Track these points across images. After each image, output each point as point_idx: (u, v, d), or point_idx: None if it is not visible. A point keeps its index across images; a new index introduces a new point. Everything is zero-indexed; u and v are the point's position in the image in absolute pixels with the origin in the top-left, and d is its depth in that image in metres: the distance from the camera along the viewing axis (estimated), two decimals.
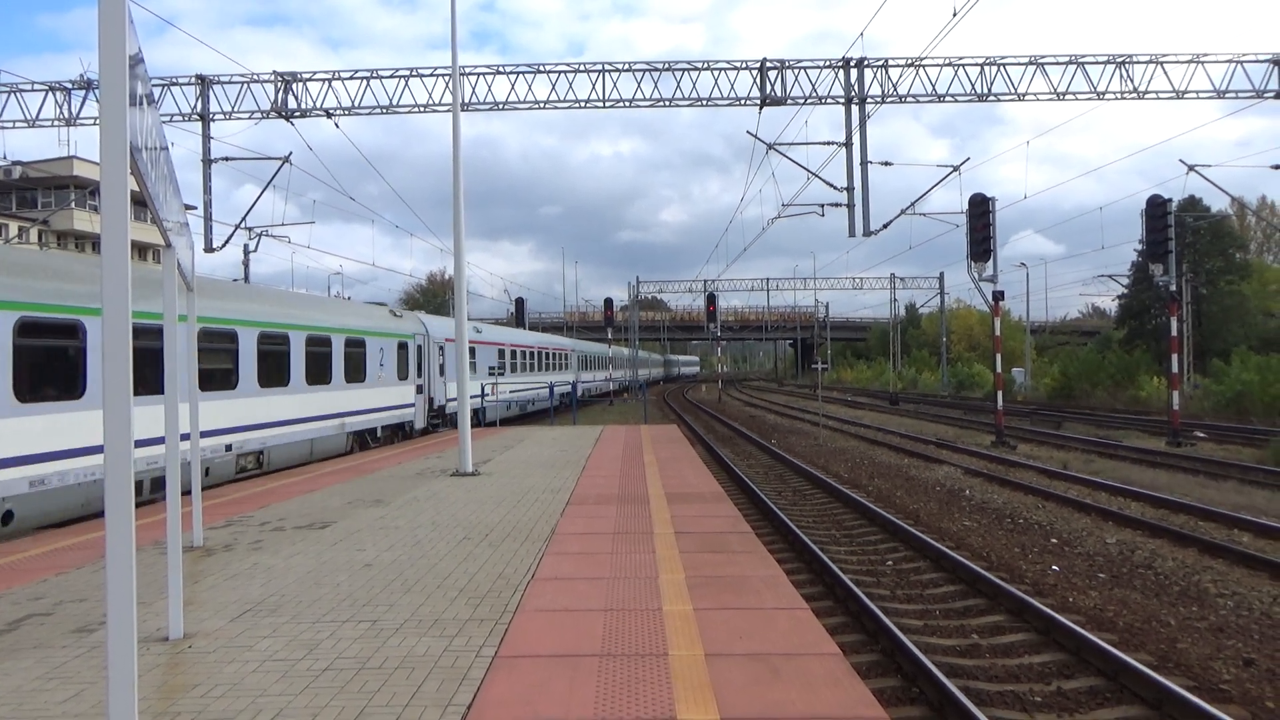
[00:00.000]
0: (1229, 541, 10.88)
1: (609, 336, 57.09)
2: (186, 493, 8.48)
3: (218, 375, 13.57)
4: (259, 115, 26.44)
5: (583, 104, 26.68)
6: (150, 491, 11.56)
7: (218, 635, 5.48)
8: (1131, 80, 25.97)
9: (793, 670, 4.70)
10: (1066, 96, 26.11)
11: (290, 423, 15.80)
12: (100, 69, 3.11)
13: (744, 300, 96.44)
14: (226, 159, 26.75)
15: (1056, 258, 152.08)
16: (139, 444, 10.68)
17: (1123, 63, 25.95)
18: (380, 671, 4.78)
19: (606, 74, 26.62)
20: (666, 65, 26.76)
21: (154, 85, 10.79)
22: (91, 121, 26.04)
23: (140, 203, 4.37)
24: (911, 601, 8.78)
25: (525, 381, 34.36)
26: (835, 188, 25.68)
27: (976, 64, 26.05)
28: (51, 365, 10.56)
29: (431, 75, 26.55)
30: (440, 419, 24.46)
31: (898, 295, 70.61)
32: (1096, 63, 26.01)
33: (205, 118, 26.35)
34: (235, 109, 26.44)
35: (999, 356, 25.84)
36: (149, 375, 9.93)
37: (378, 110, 26.70)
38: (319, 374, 16.80)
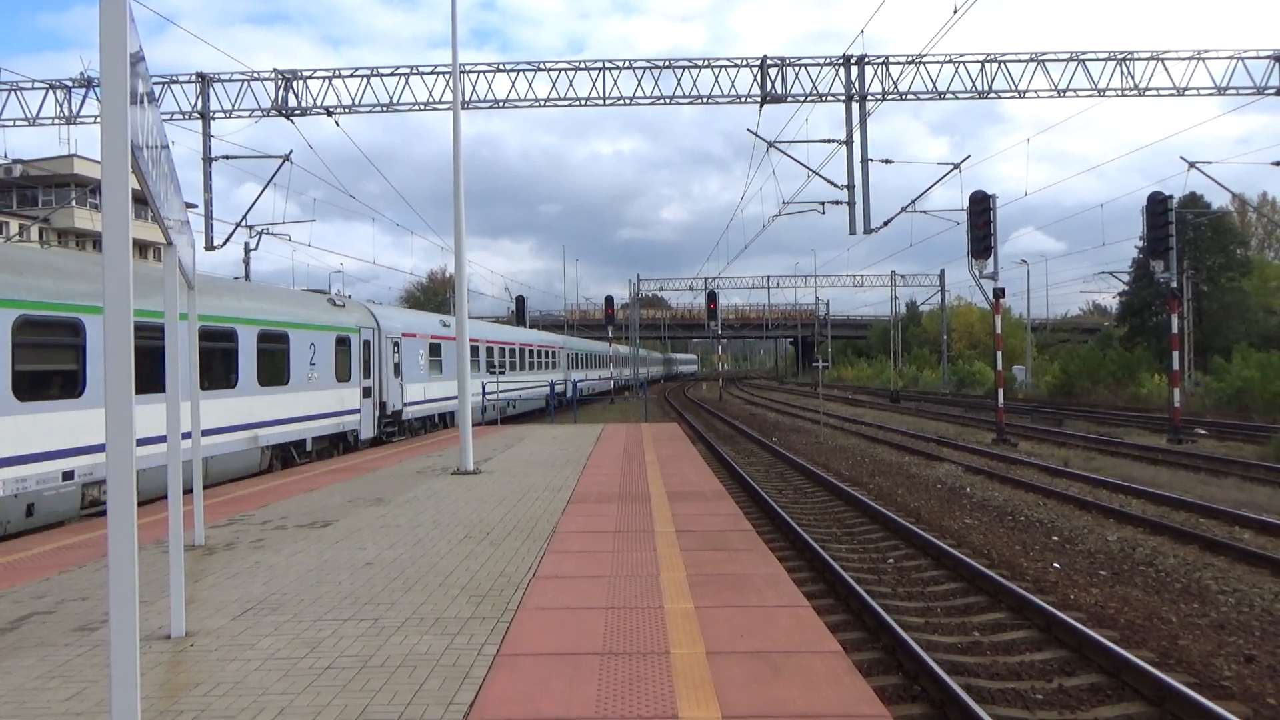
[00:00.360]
0: (1230, 538, 10.88)
1: (609, 334, 57.05)
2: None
3: (55, 380, 10.71)
4: (259, 113, 26.43)
5: (583, 102, 26.64)
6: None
7: (220, 633, 5.48)
8: (1132, 77, 25.94)
9: (794, 668, 4.70)
10: (1067, 93, 26.07)
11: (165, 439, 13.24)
12: (101, 67, 3.12)
13: (745, 298, 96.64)
14: (227, 157, 26.74)
15: (1057, 255, 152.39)
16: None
17: (1123, 60, 25.92)
18: (382, 670, 4.78)
19: (607, 71, 26.59)
20: (667, 63, 26.73)
21: (154, 83, 10.74)
22: (92, 120, 26.03)
23: (141, 201, 4.37)
24: (912, 599, 8.78)
25: (505, 381, 31.02)
26: (836, 185, 25.66)
27: (977, 61, 26.02)
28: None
29: (432, 73, 26.53)
30: (397, 427, 21.60)
31: (898, 293, 70.51)
32: (1097, 60, 25.99)
33: (205, 116, 26.33)
34: (235, 107, 26.42)
35: (1000, 354, 25.85)
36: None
37: (378, 108, 26.67)
38: (218, 375, 13.76)
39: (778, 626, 5.48)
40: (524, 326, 48.87)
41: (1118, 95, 26.09)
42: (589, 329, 77.66)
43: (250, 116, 26.51)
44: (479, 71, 26.78)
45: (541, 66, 26.69)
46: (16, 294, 9.82)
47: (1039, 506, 13.62)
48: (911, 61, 25.72)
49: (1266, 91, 25.59)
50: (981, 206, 24.28)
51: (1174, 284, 25.17)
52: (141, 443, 11.18)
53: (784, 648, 5.05)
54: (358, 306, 20.77)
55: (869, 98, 25.93)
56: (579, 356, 50.00)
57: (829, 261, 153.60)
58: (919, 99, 26.64)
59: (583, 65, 26.69)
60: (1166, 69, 25.81)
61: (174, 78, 26.30)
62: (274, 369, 15.65)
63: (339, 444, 18.43)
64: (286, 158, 26.10)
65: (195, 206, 26.12)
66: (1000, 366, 25.94)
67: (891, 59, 26.18)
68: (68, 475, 10.46)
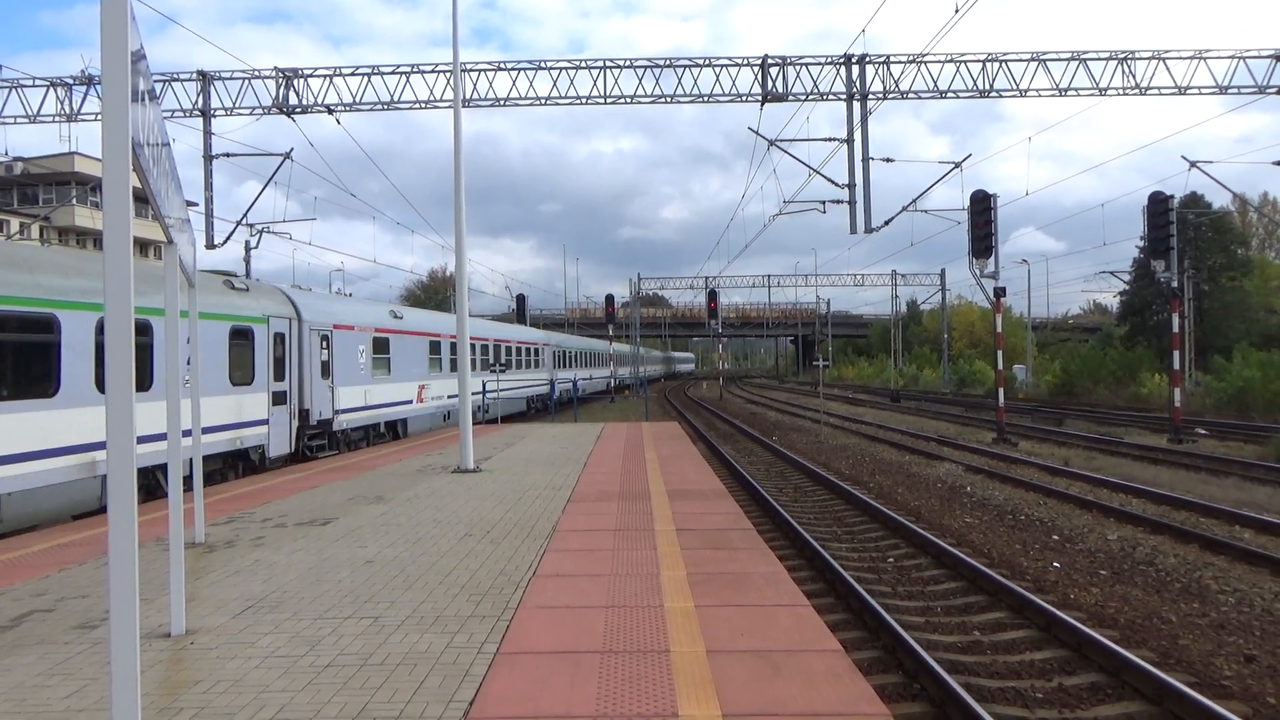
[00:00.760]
0: (1230, 538, 10.88)
1: (610, 333, 57.04)
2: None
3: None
4: (260, 111, 26.41)
5: (584, 100, 26.62)
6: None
7: (220, 631, 5.49)
8: (1133, 76, 25.91)
9: (794, 667, 4.70)
10: (1068, 93, 26.06)
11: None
12: (103, 65, 3.12)
13: (745, 297, 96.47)
14: (228, 155, 26.74)
15: (1058, 254, 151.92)
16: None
17: (1125, 59, 25.90)
18: (382, 668, 4.78)
19: (607, 70, 26.57)
20: (668, 62, 26.71)
21: (155, 81, 10.65)
22: (93, 117, 26.00)
23: (142, 199, 4.37)
24: (913, 598, 8.78)
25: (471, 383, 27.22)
26: (837, 184, 25.65)
27: (978, 60, 26.00)
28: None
29: (433, 71, 26.51)
30: (326, 440, 17.98)
31: (899, 292, 70.48)
32: (1098, 59, 25.97)
33: (206, 114, 26.32)
34: (236, 105, 26.40)
35: (1000, 353, 25.82)
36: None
37: (379, 106, 26.66)
38: (26, 381, 10.07)
39: (778, 625, 5.48)
40: (524, 325, 48.60)
41: (1119, 94, 26.08)
42: (590, 327, 77.79)
43: (251, 114, 26.50)
44: (480, 70, 26.77)
45: (542, 65, 26.68)
46: None
47: (1039, 506, 13.62)
48: (913, 61, 25.71)
49: (1268, 91, 25.56)
50: (982, 206, 24.28)
51: (1175, 284, 25.17)
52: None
53: (784, 646, 5.05)
54: (269, 290, 17.08)
55: (870, 97, 25.92)
56: (568, 354, 46.58)
57: (830, 260, 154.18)
58: (920, 98, 26.63)
59: (583, 64, 26.69)
60: (1168, 68, 25.79)
61: (175, 76, 26.28)
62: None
63: (237, 464, 14.89)
64: (287, 156, 26.12)
65: (196, 204, 26.13)
66: (1001, 366, 25.91)
67: (892, 58, 26.17)
68: None
